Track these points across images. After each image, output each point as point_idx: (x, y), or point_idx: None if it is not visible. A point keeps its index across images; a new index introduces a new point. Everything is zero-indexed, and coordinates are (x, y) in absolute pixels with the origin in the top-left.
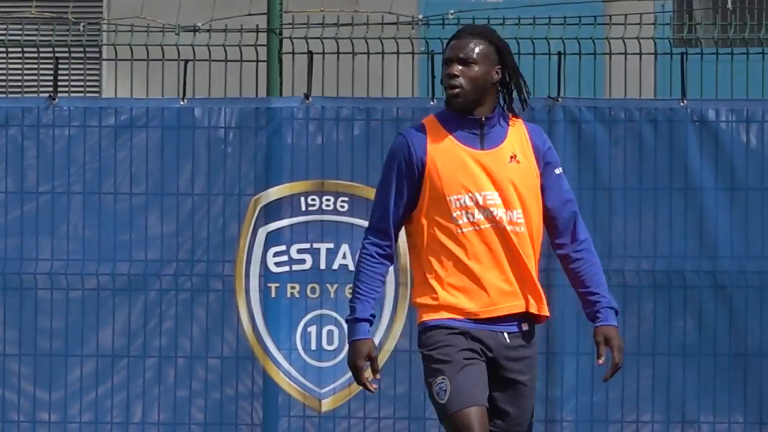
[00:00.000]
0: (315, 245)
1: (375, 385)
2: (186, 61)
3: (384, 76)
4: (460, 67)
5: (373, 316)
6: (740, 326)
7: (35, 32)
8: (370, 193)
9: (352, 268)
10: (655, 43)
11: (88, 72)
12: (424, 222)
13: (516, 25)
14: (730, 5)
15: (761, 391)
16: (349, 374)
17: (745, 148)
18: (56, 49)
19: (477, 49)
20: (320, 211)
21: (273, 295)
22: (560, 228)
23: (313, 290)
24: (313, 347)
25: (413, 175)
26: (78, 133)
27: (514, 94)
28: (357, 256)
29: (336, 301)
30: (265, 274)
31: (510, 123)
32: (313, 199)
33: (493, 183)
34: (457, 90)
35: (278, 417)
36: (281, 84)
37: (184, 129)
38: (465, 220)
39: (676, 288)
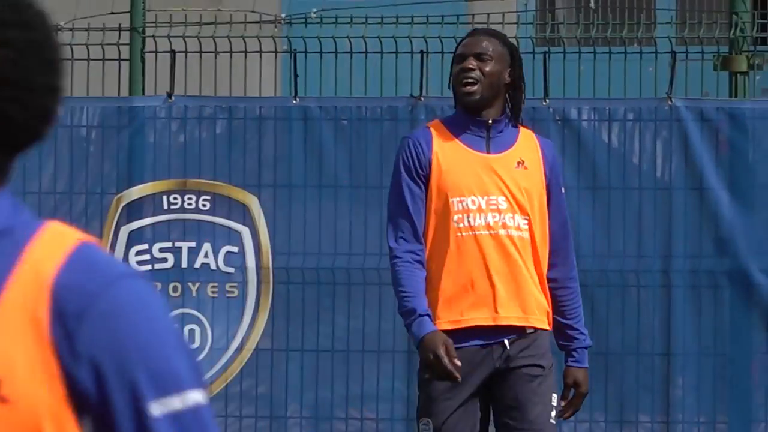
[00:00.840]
0: (177, 244)
1: (458, 374)
2: None
3: (247, 75)
4: (475, 62)
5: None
6: (602, 325)
7: None
8: (232, 191)
9: (214, 267)
10: (517, 42)
11: None
12: (427, 224)
13: (379, 23)
14: (592, 5)
15: (622, 389)
16: (211, 373)
17: (607, 147)
18: None
19: (492, 47)
20: (182, 209)
21: None
22: (554, 248)
23: (175, 289)
24: None
25: (421, 175)
26: None
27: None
28: (390, 268)
29: (198, 300)
30: None
31: (520, 130)
32: (175, 198)
33: (498, 187)
34: (473, 84)
35: None
36: (144, 83)
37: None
38: (466, 223)
39: None
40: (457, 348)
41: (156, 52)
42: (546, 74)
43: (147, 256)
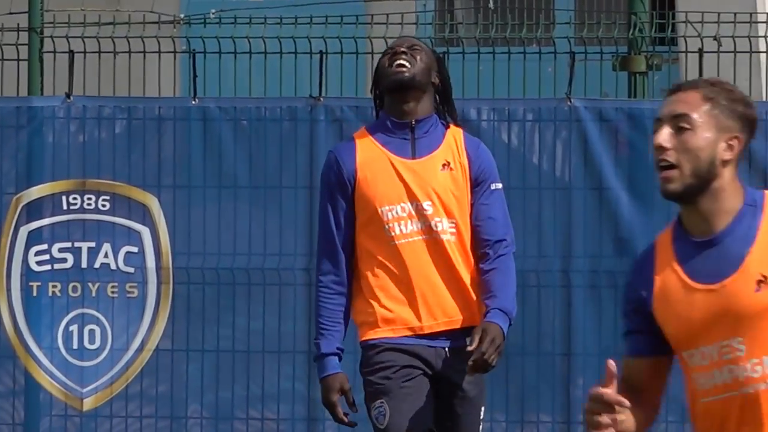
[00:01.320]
0: (77, 244)
1: (352, 421)
2: None
3: (146, 75)
4: (408, 51)
5: (340, 349)
6: None
7: None
8: (132, 192)
9: (114, 266)
10: None
11: None
12: (358, 236)
13: (278, 24)
14: (491, 5)
15: (523, 389)
16: (112, 373)
17: (506, 147)
18: None
19: (420, 47)
20: (82, 210)
21: (34, 293)
22: (485, 241)
23: (75, 289)
24: (75, 346)
25: (346, 190)
26: None
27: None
28: (315, 289)
29: (98, 300)
30: (27, 273)
31: (447, 130)
32: (74, 198)
33: (425, 192)
34: (404, 66)
35: (40, 416)
36: (42, 83)
37: None
38: (398, 231)
39: None
40: (403, 345)
41: (54, 52)
42: None
43: (47, 256)
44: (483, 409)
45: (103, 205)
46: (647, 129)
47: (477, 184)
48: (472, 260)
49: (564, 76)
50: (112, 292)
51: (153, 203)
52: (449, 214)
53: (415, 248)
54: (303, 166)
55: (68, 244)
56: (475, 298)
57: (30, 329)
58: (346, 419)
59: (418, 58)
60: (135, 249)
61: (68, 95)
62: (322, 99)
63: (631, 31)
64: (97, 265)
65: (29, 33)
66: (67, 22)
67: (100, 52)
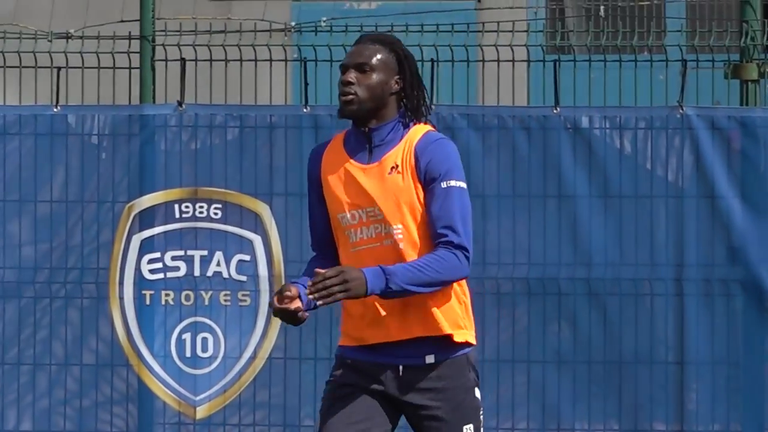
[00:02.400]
0: (189, 252)
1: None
2: (59, 68)
3: (257, 83)
4: (355, 74)
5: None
6: (615, 333)
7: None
8: (243, 200)
9: (226, 275)
10: (528, 51)
11: None
12: (336, 240)
13: (389, 32)
14: (602, 13)
15: (636, 397)
16: (224, 381)
17: (618, 155)
18: None
19: (375, 57)
20: (194, 218)
21: (147, 302)
22: (436, 233)
23: (187, 297)
24: (188, 354)
25: (319, 189)
26: None
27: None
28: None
29: (210, 309)
30: (140, 282)
31: (407, 132)
32: (186, 207)
33: (373, 198)
34: (351, 97)
35: (153, 424)
36: (154, 91)
37: (57, 136)
38: (355, 238)
39: (551, 295)
40: (352, 361)
41: (166, 60)
42: (556, 82)
43: (159, 265)
44: (473, 427)
45: (215, 214)
46: (759, 137)
47: (427, 183)
48: None
49: (675, 84)
50: (225, 301)
51: (264, 211)
52: (395, 220)
53: (369, 255)
54: None
55: (181, 253)
56: (437, 307)
57: (143, 337)
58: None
59: (368, 80)
60: (247, 257)
61: (180, 103)
62: (433, 107)
63: (743, 39)
64: (209, 273)
65: (141, 41)
66: (178, 30)
67: (211, 60)
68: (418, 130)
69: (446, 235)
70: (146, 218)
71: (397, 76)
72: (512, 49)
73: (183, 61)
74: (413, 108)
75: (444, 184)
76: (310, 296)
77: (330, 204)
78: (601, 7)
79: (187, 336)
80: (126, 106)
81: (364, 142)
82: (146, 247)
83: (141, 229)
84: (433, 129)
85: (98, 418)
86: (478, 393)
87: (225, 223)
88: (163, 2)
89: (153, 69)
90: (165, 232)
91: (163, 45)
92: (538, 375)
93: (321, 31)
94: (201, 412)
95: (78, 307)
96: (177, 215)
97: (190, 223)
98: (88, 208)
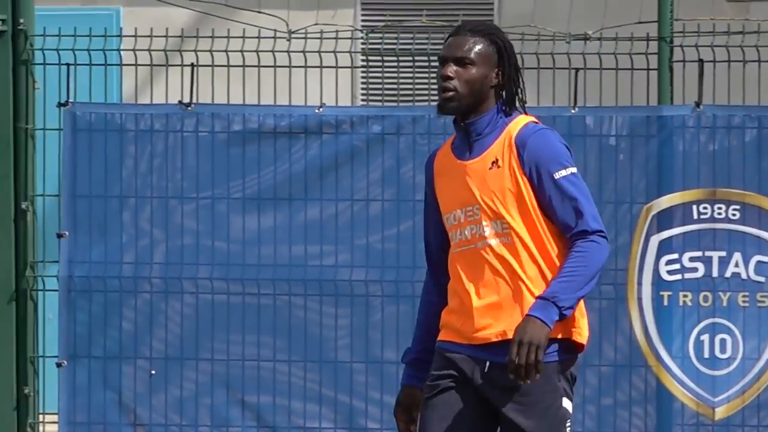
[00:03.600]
0: (707, 253)
1: None
2: (577, 70)
3: None
4: (455, 68)
5: (415, 358)
6: None
7: (426, 41)
8: (763, 201)
9: (744, 276)
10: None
11: None
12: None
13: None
14: None
15: None
16: (743, 383)
17: None
18: None
19: (475, 49)
20: (712, 219)
21: (665, 303)
22: (568, 235)
23: (705, 298)
24: (706, 355)
25: (432, 196)
26: None
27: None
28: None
29: (729, 310)
30: (657, 282)
31: (507, 125)
32: (704, 208)
33: (474, 195)
34: (450, 93)
35: (671, 425)
36: (672, 92)
37: (575, 137)
38: (457, 239)
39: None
40: (448, 353)
41: (684, 61)
42: None
43: (677, 266)
44: None
45: (733, 215)
46: None
47: (536, 177)
48: (543, 258)
49: None
50: (743, 302)
51: None
52: (497, 215)
53: (469, 256)
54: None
55: (698, 254)
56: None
57: (661, 338)
58: None
59: (468, 74)
60: (765, 258)
61: (697, 104)
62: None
63: None
64: (727, 274)
65: (659, 42)
66: (696, 31)
67: (729, 61)
68: (518, 122)
69: (576, 226)
70: (664, 219)
71: (497, 69)
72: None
73: (701, 62)
74: (510, 100)
75: (556, 176)
76: (521, 382)
77: (441, 208)
78: None
79: (705, 337)
80: (644, 107)
81: (465, 138)
82: (664, 248)
83: (659, 230)
84: (533, 120)
85: (618, 417)
86: (566, 403)
87: (743, 224)
88: (681, 3)
89: (671, 70)
90: (683, 233)
91: (681, 46)
92: None
93: None
94: (720, 413)
95: (596, 308)
96: (695, 216)
97: (707, 224)
98: (605, 209)
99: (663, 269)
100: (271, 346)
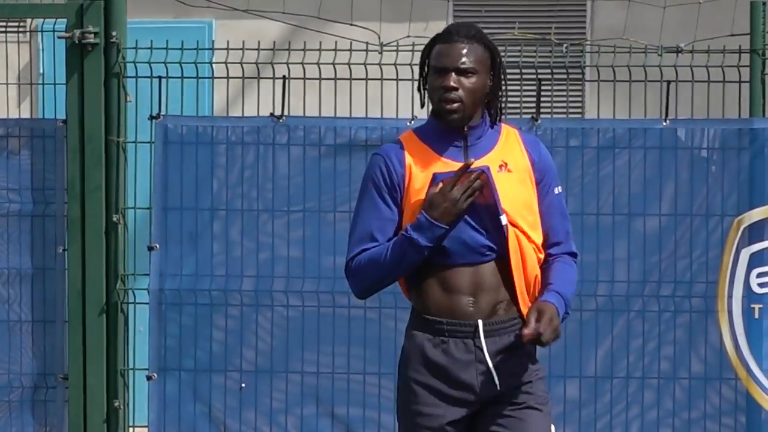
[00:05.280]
0: None
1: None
2: (668, 82)
3: None
4: (457, 78)
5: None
6: None
7: (518, 53)
8: None
9: None
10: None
11: (570, 93)
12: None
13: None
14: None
15: None
16: None
17: None
18: (539, 70)
19: (474, 58)
20: None
21: (756, 315)
22: (555, 242)
23: None
24: None
25: (394, 191)
26: (562, 152)
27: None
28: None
29: None
30: (748, 295)
31: (501, 130)
32: None
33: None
34: (456, 105)
35: None
36: (764, 105)
37: (667, 149)
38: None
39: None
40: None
41: None
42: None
43: (767, 279)
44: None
45: None
46: None
47: (540, 185)
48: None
49: None
50: None
51: None
52: (511, 220)
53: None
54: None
55: None
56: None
57: (751, 351)
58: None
59: (469, 84)
60: None
61: None
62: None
63: None
64: None
65: (751, 55)
66: None
67: None
68: (511, 129)
69: (564, 243)
70: (755, 232)
71: (491, 74)
72: None
73: None
74: (497, 107)
75: (556, 190)
76: (544, 340)
77: (420, 206)
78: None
79: None
80: (735, 120)
81: (458, 142)
82: (755, 260)
83: (750, 243)
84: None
85: (706, 429)
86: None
87: None
88: None
89: (763, 82)
90: None
91: None
92: None
93: None
94: None
95: (686, 321)
96: None
97: None
98: (696, 221)
99: (754, 282)
100: (361, 358)
